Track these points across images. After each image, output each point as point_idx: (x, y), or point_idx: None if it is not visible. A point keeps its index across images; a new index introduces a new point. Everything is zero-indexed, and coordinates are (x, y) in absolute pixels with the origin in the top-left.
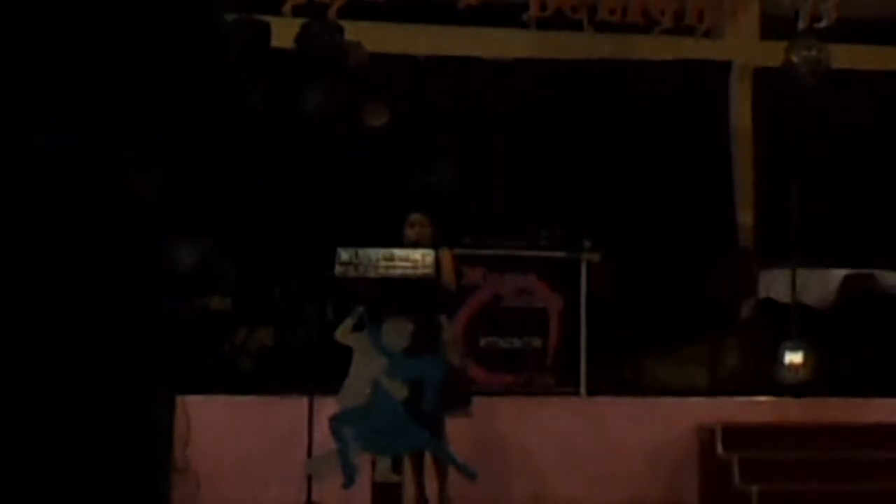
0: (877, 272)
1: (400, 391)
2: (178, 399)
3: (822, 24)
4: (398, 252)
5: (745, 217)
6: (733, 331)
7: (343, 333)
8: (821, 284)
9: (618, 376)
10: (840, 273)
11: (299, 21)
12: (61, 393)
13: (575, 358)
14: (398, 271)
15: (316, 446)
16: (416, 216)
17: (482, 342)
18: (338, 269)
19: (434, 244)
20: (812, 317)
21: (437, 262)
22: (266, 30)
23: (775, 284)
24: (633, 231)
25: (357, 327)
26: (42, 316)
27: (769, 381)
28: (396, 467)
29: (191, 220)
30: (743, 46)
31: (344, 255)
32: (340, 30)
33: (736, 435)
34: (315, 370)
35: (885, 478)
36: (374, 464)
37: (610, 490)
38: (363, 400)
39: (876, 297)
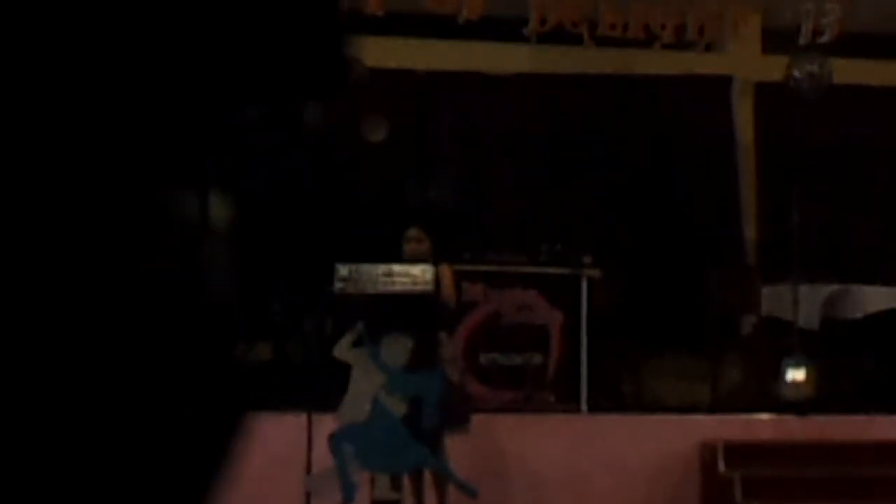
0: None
1: (399, 408)
2: None
3: (824, 38)
4: (397, 268)
5: (748, 232)
6: (735, 347)
7: (342, 349)
8: (808, 302)
9: (619, 393)
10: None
11: None
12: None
13: (576, 374)
14: (398, 287)
15: (315, 463)
16: (413, 231)
17: (482, 358)
18: (337, 285)
19: (432, 260)
20: (814, 333)
21: (437, 278)
22: None
23: (777, 300)
24: (633, 247)
25: (356, 343)
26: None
27: (771, 398)
28: (396, 484)
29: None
30: (744, 61)
31: (343, 270)
32: None
33: (738, 452)
34: (314, 386)
35: (887, 496)
36: (372, 481)
37: None
38: (362, 417)
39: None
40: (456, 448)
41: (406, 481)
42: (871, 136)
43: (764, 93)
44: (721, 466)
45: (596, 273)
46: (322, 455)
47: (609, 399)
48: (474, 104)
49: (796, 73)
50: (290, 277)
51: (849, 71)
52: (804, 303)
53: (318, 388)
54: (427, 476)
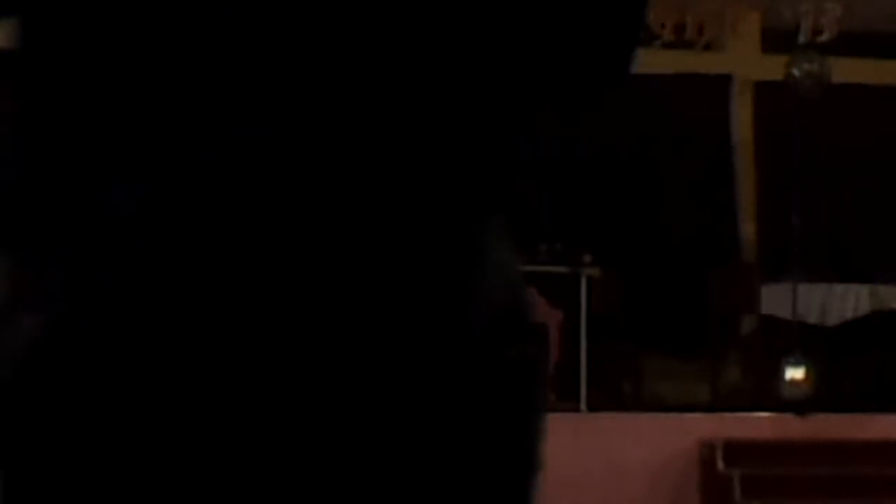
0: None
1: None
2: None
3: (824, 37)
4: None
5: (747, 231)
6: (734, 346)
7: None
8: (808, 300)
9: (618, 392)
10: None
11: None
12: None
13: (575, 373)
14: None
15: None
16: None
17: None
18: None
19: None
20: (814, 332)
21: None
22: None
23: (777, 299)
24: (633, 246)
25: None
26: None
27: (770, 396)
28: None
29: None
30: (744, 60)
31: None
32: None
33: (737, 451)
34: None
35: (886, 495)
36: None
37: None
38: None
39: None
40: None
41: None
42: (870, 135)
43: (763, 92)
44: (720, 465)
45: (595, 272)
46: None
47: (608, 398)
48: None
49: (796, 72)
50: None
51: (848, 70)
52: (803, 302)
53: None
54: None
